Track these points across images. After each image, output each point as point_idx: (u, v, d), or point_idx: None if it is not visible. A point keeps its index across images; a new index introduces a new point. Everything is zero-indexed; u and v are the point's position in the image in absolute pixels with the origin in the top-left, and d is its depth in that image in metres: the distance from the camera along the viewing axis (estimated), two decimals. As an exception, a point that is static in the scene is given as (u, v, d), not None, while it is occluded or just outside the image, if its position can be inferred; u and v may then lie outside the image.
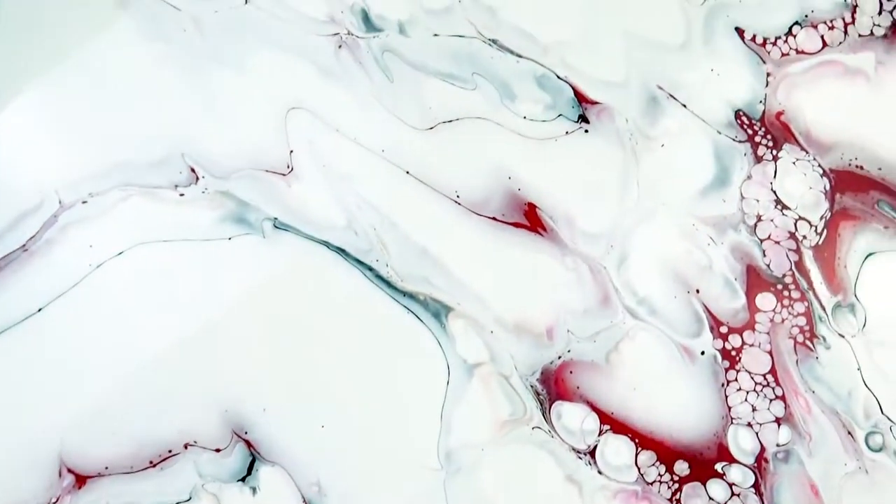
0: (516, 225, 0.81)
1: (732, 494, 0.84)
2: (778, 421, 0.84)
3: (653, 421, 0.85)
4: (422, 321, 0.79)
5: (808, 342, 0.83)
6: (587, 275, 0.80)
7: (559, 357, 0.78)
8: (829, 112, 0.91)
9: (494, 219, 0.85)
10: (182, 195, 0.85)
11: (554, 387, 0.76)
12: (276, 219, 0.85)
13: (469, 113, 0.89)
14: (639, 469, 0.84)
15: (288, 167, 0.86)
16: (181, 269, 0.80)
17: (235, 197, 0.85)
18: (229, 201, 0.85)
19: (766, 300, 0.86)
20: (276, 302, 0.77)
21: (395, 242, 0.79)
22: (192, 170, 0.85)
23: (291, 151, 0.86)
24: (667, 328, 0.86)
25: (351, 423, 0.74)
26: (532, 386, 0.77)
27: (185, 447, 0.81)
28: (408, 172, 0.83)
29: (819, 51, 0.92)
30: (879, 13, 0.92)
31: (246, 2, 0.87)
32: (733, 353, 0.86)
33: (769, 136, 0.89)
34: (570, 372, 0.78)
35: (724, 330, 0.84)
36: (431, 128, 0.87)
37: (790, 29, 0.91)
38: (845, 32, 0.93)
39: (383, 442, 0.74)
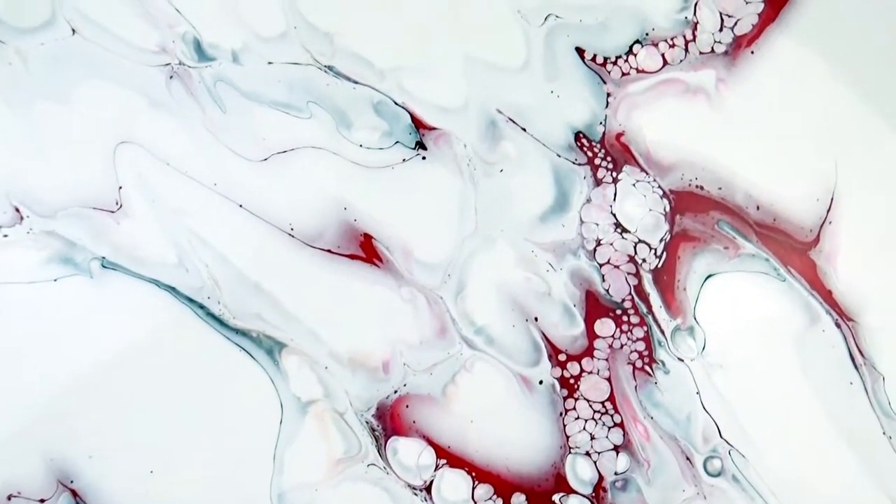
0: (352, 257, 0.73)
1: None
2: (616, 449, 0.77)
3: (490, 454, 0.77)
4: (254, 359, 0.71)
5: (647, 367, 0.77)
6: (424, 306, 0.73)
7: (395, 391, 0.69)
8: (670, 132, 0.83)
9: (329, 251, 0.78)
10: (6, 236, 0.76)
11: (390, 422, 0.67)
12: (103, 258, 0.77)
13: (304, 142, 0.81)
14: (476, 503, 0.72)
15: (117, 204, 0.77)
16: (4, 313, 0.62)
17: (62, 237, 0.76)
18: (55, 241, 0.76)
19: (605, 326, 0.79)
20: (102, 344, 0.69)
21: (227, 279, 0.70)
22: (17, 209, 0.76)
23: (120, 187, 0.78)
24: (505, 358, 0.79)
25: (181, 467, 0.64)
26: (367, 422, 0.68)
27: (9, 499, 0.72)
28: (241, 206, 0.76)
29: (660, 69, 0.84)
30: (720, 30, 0.84)
31: (73, 33, 0.78)
32: (572, 381, 0.79)
33: (609, 158, 0.82)
34: (407, 406, 0.70)
35: (562, 358, 0.77)
36: (265, 159, 0.79)
37: (631, 48, 0.83)
38: (686, 50, 0.84)
39: (214, 486, 0.64)
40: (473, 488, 0.73)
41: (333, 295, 0.76)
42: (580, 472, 0.72)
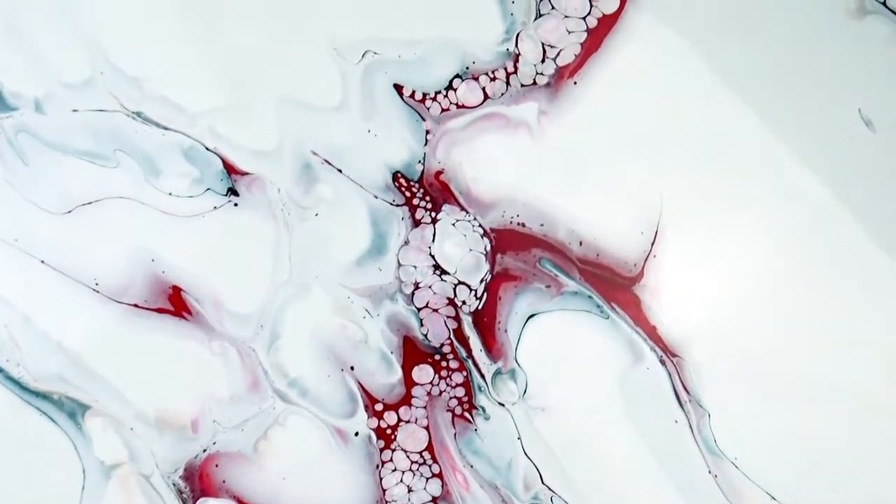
0: (160, 310, 0.66)
1: None
2: (435, 501, 0.69)
3: None
4: (55, 423, 0.63)
5: (466, 414, 0.71)
6: (235, 359, 0.67)
7: (204, 450, 0.59)
8: (491, 168, 0.74)
9: (136, 305, 0.70)
10: None
11: (198, 483, 0.56)
12: None
13: (110, 193, 0.72)
14: None
15: None
16: None
17: None
18: None
19: (423, 373, 0.71)
20: None
21: (27, 339, 0.64)
22: None
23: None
24: (319, 410, 0.70)
25: (-24, 540, 0.51)
26: (175, 484, 0.58)
27: None
28: (42, 261, 0.68)
29: (480, 104, 0.75)
30: (542, 61, 0.75)
31: None
32: (389, 431, 0.70)
33: (428, 198, 0.74)
34: (216, 465, 0.64)
35: (379, 407, 0.71)
36: (69, 211, 0.71)
37: (450, 83, 0.74)
38: (507, 83, 0.75)
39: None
40: None
41: (140, 352, 0.68)
42: None
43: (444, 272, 0.65)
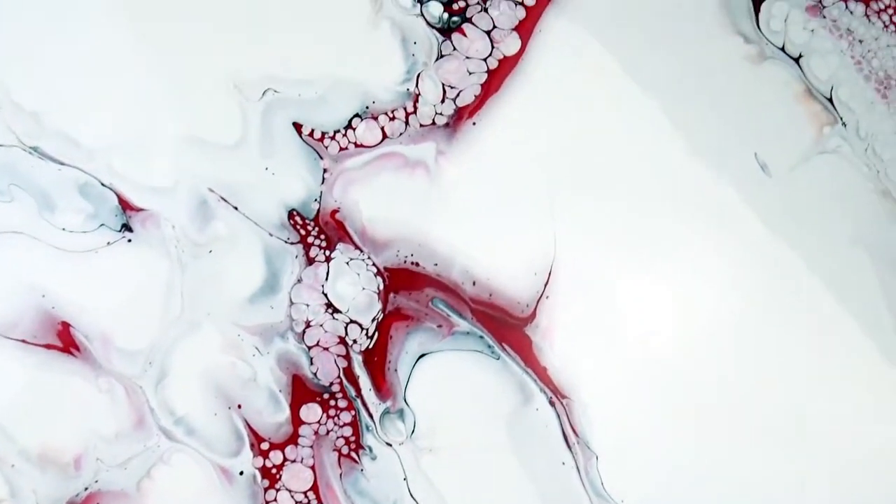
0: (48, 346, 0.67)
1: None
2: None
3: None
4: None
5: (353, 454, 0.68)
6: (122, 396, 0.68)
7: (86, 489, 0.61)
8: (387, 207, 0.72)
9: (24, 341, 0.67)
10: None
11: None
12: None
13: (3, 227, 0.68)
14: None
15: None
16: None
17: None
18: None
19: (311, 411, 0.68)
20: None
21: None
22: None
23: None
24: (204, 449, 0.67)
25: None
26: None
27: None
28: None
29: (379, 143, 0.73)
30: (442, 101, 0.73)
31: None
32: (274, 470, 0.67)
33: (323, 236, 0.71)
34: None
35: (265, 446, 0.68)
36: None
37: (350, 122, 0.72)
38: (406, 123, 0.73)
39: None
40: None
41: (26, 388, 0.67)
42: None
43: (336, 311, 0.62)
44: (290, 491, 0.61)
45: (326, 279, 0.65)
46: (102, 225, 0.64)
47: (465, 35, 0.67)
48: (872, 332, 0.68)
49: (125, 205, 0.65)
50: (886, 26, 0.73)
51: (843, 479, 0.66)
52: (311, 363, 0.63)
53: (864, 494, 0.65)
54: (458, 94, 0.68)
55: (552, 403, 0.64)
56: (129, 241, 0.64)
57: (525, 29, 0.68)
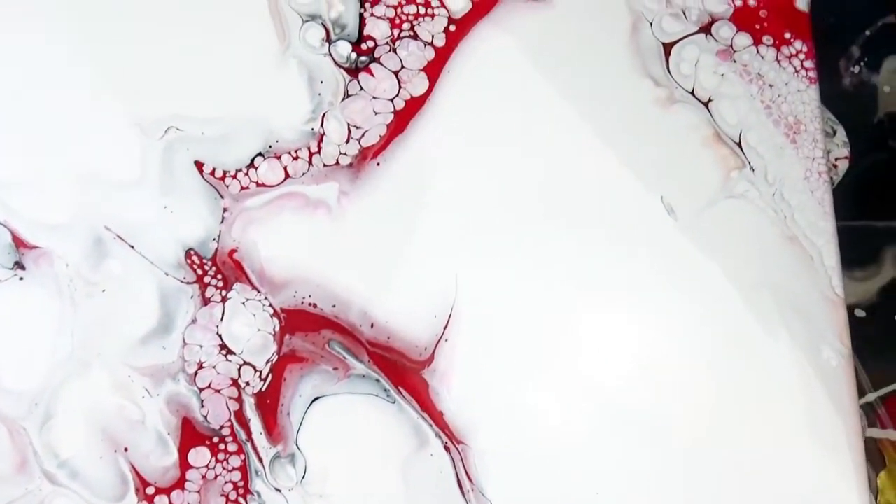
0: None
1: None
2: None
3: None
4: None
5: (241, 499, 0.63)
6: (6, 438, 0.63)
7: None
8: (287, 247, 0.68)
9: None
10: None
11: None
12: None
13: None
14: None
15: None
16: None
17: None
18: None
19: (199, 455, 0.64)
20: None
21: None
22: None
23: None
24: (88, 493, 0.62)
25: None
26: None
27: None
28: None
29: (281, 182, 0.69)
30: (347, 141, 0.70)
31: None
32: None
33: (220, 276, 0.67)
34: None
35: (150, 491, 0.63)
36: None
37: (252, 161, 0.68)
38: (310, 162, 0.69)
39: None
40: None
41: None
42: None
43: (230, 352, 0.57)
44: (173, 539, 0.56)
45: (221, 320, 0.60)
46: (-6, 263, 0.59)
47: (372, 75, 0.63)
48: (776, 373, 0.63)
49: (19, 242, 0.59)
50: (797, 71, 0.69)
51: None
52: (202, 406, 0.58)
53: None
54: (363, 134, 0.64)
55: (447, 449, 0.59)
56: (21, 279, 0.59)
57: (434, 69, 0.63)
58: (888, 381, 1.06)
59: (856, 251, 1.01)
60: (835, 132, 0.77)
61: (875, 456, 1.06)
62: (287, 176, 0.66)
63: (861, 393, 1.09)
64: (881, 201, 1.02)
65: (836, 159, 0.76)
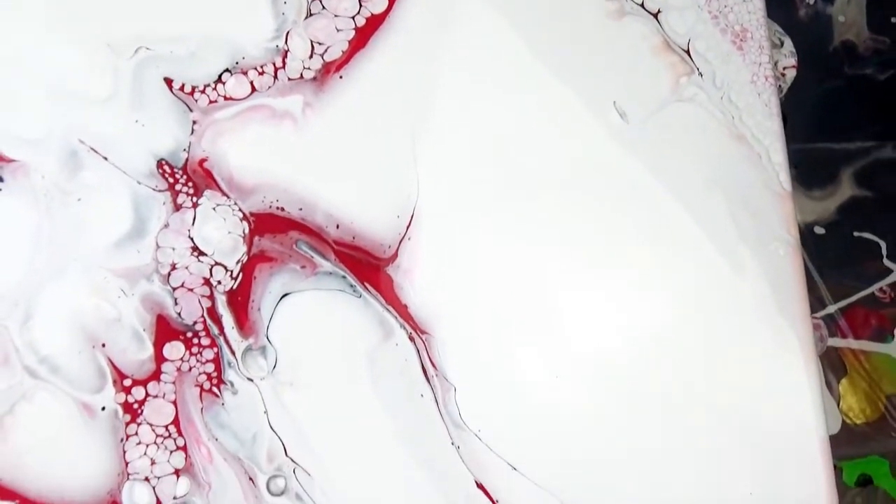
0: None
1: None
2: (177, 473, 0.63)
3: (44, 484, 0.61)
4: None
5: (214, 389, 0.65)
6: None
7: None
8: (254, 156, 0.70)
9: None
10: None
11: None
12: None
13: None
14: None
15: None
16: None
17: None
18: None
19: (174, 349, 0.66)
20: None
21: None
22: None
23: None
24: (67, 386, 0.63)
25: None
26: None
27: None
28: None
29: (248, 96, 0.71)
30: (310, 56, 0.72)
31: None
32: (136, 405, 0.64)
33: (190, 184, 0.69)
34: None
35: (127, 383, 0.64)
36: None
37: (220, 76, 0.71)
38: (275, 77, 0.71)
39: None
40: None
41: None
42: (137, 499, 0.62)
43: (201, 253, 0.59)
44: (151, 425, 0.58)
45: (193, 224, 0.62)
46: (-28, 175, 0.62)
47: (333, -6, 0.67)
48: (730, 267, 0.65)
49: (-3, 156, 0.62)
50: (742, -17, 0.71)
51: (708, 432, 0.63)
52: (176, 303, 0.60)
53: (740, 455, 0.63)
54: (325, 50, 0.66)
55: (412, 339, 0.61)
56: (0, 190, 0.61)
57: (393, -11, 0.67)
58: (847, 293, 1.08)
59: (814, 172, 1.04)
60: (782, 43, 0.80)
61: (837, 364, 1.08)
62: (253, 90, 0.68)
63: (822, 305, 1.12)
64: (837, 125, 1.04)
65: (784, 68, 0.79)
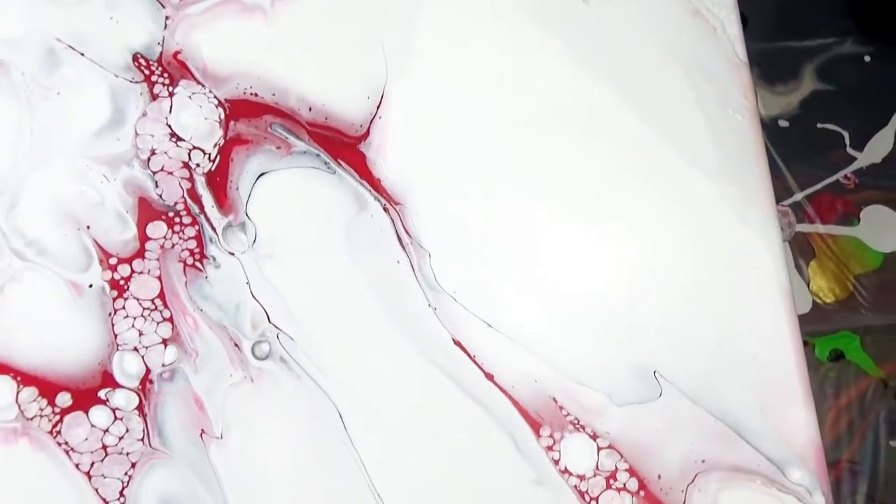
0: None
1: (115, 419, 0.62)
2: (164, 342, 0.65)
3: (36, 359, 0.63)
4: None
5: (197, 264, 0.67)
6: None
7: None
8: (227, 47, 0.72)
9: None
10: None
11: None
12: None
13: None
14: (19, 406, 0.61)
15: None
16: None
17: None
18: None
19: (156, 228, 0.68)
20: None
21: None
22: None
23: None
24: (55, 266, 0.65)
25: None
26: None
27: None
28: None
29: None
30: None
31: None
32: (122, 282, 0.66)
33: (166, 75, 0.71)
34: None
35: (113, 261, 0.66)
36: None
37: None
38: None
39: None
40: (18, 392, 0.62)
41: None
42: (127, 367, 0.64)
43: (179, 139, 0.61)
44: (137, 299, 0.60)
45: (170, 112, 0.64)
46: (-45, 74, 0.63)
47: None
48: (689, 134, 0.67)
49: (-24, 55, 0.63)
50: None
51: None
52: (157, 186, 0.62)
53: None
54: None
55: (386, 210, 0.63)
56: (-19, 88, 0.63)
57: None
58: (813, 182, 1.10)
59: (777, 69, 1.06)
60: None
61: (805, 248, 1.10)
62: (222, -15, 0.70)
63: (788, 194, 1.13)
64: (799, 24, 1.06)
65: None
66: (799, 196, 0.97)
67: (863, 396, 0.94)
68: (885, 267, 0.95)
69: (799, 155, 0.96)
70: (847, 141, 0.99)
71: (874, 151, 1.00)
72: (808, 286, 0.90)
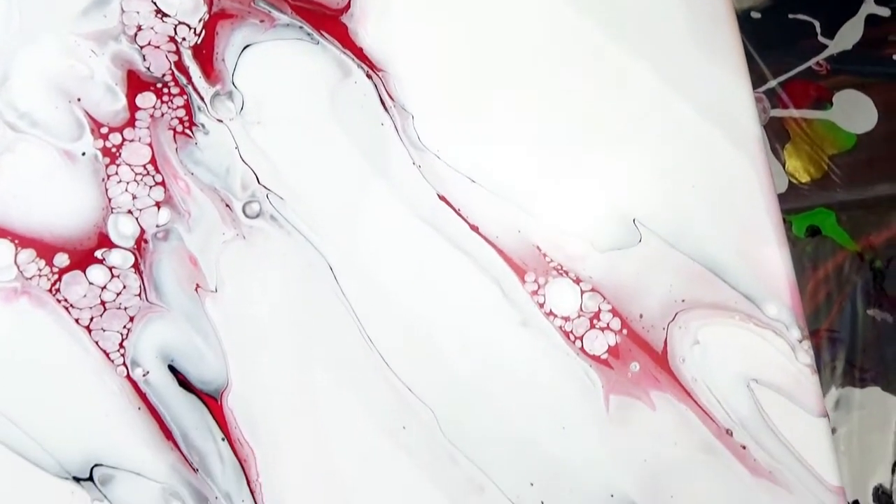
0: None
1: (112, 276, 0.64)
2: (158, 204, 0.66)
3: (33, 223, 0.64)
4: None
5: (187, 131, 0.68)
6: None
7: None
8: None
9: None
10: None
11: None
12: None
13: None
14: (18, 267, 0.63)
15: None
16: None
17: None
18: None
19: (145, 99, 0.68)
20: None
21: None
22: None
23: None
24: (48, 136, 0.66)
25: None
26: None
27: None
28: None
29: None
30: None
31: None
32: (114, 150, 0.67)
33: None
34: None
35: (104, 130, 0.67)
36: None
37: None
38: None
39: None
40: (16, 255, 0.63)
41: None
42: (122, 229, 0.65)
43: (165, 15, 0.61)
44: (129, 165, 0.61)
45: (155, -10, 0.64)
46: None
47: None
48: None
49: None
50: None
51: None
52: (144, 59, 0.63)
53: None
54: None
55: (369, 76, 0.64)
56: (-31, -29, 0.63)
57: None
58: (786, 69, 1.11)
59: (746, -36, 1.07)
60: None
61: (780, 132, 1.11)
62: None
63: (762, 81, 1.15)
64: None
65: None
66: (773, 83, 0.98)
67: (840, 269, 0.95)
68: (857, 147, 0.97)
69: (772, 45, 0.97)
70: (818, 29, 1.00)
71: (845, 39, 1.01)
72: (784, 167, 0.92)
